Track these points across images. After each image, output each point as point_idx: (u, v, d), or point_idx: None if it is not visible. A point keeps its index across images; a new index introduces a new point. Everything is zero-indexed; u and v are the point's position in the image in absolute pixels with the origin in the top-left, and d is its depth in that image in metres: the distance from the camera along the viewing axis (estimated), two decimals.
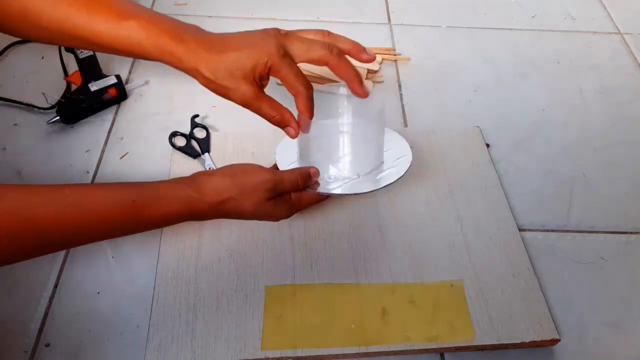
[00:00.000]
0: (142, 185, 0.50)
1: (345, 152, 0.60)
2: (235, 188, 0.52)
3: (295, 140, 0.58)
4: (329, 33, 0.56)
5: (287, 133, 0.56)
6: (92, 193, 0.47)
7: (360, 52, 0.55)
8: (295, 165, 0.61)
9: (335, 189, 0.58)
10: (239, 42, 0.52)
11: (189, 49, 0.52)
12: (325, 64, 0.53)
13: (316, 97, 0.55)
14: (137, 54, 0.54)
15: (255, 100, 0.53)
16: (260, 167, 0.55)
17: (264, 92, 0.54)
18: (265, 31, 0.54)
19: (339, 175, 0.60)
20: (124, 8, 0.53)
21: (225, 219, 0.54)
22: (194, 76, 0.53)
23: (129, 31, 0.52)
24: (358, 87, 0.55)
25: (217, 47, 0.52)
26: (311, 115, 0.55)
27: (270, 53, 0.51)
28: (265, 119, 0.55)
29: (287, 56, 0.52)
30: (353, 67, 0.54)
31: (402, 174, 0.60)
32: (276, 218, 0.57)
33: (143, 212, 0.49)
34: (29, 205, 0.43)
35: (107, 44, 0.53)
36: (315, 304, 0.58)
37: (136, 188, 0.50)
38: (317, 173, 0.58)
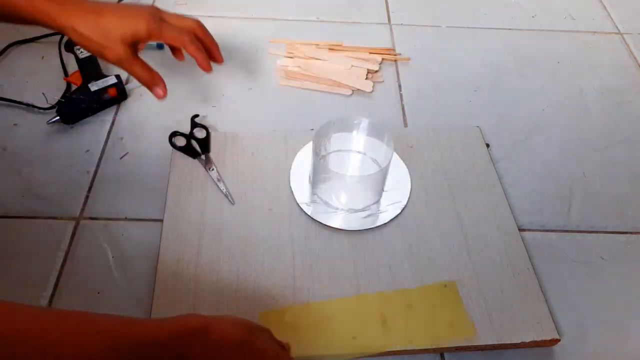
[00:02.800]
0: (132, 346, 0.43)
1: (352, 181, 0.64)
2: None
3: (309, 165, 0.67)
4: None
5: (155, 93, 0.62)
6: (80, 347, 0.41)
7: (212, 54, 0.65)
8: (307, 188, 0.67)
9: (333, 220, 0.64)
10: (117, 10, 0.58)
11: (64, 8, 0.56)
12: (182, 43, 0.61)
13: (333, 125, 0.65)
14: (11, 16, 0.56)
15: (129, 60, 0.59)
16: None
17: (137, 54, 0.60)
18: (141, 5, 0.61)
19: (338, 206, 0.65)
20: None
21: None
22: (68, 34, 0.57)
23: None
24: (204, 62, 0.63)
25: (94, 9, 0.57)
26: (210, 57, 0.65)
27: (148, 20, 0.58)
28: (137, 78, 0.61)
29: (163, 20, 0.60)
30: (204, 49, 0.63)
31: (389, 218, 0.65)
32: None
33: None
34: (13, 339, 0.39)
35: None
36: (314, 321, 0.57)
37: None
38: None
